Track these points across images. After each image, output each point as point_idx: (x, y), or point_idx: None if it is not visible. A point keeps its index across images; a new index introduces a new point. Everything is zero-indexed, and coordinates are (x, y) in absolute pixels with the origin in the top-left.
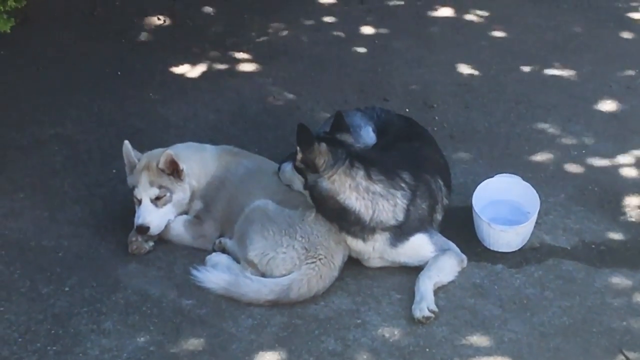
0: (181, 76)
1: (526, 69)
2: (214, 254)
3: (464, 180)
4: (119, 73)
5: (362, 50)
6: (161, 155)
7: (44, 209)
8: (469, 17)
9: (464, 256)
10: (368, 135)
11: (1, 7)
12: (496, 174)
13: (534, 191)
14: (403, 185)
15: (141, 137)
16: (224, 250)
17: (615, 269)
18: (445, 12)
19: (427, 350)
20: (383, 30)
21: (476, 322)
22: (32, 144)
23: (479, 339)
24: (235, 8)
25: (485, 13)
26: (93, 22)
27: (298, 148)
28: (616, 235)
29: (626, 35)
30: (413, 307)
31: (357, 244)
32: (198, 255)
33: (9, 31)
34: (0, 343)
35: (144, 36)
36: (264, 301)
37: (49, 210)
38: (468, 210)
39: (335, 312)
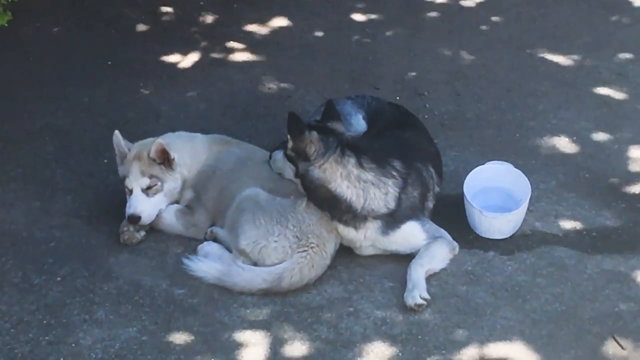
0: (172, 66)
1: (517, 56)
2: (205, 243)
3: (455, 167)
4: (110, 63)
5: (352, 38)
6: (152, 144)
7: (36, 200)
8: (460, 3)
9: (455, 244)
10: (359, 124)
11: None
12: (487, 162)
13: (525, 178)
14: (394, 173)
15: (132, 127)
16: (215, 240)
17: (607, 255)
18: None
19: (420, 337)
20: (374, 18)
21: (468, 310)
22: (23, 135)
23: (471, 326)
24: None
25: (475, 0)
26: (83, 12)
27: (289, 136)
28: (608, 222)
29: (616, 21)
30: (405, 294)
31: (348, 232)
32: (190, 244)
33: (6, 25)
34: None
35: (134, 26)
36: (256, 290)
37: (41, 201)
38: (459, 197)
39: (328, 301)
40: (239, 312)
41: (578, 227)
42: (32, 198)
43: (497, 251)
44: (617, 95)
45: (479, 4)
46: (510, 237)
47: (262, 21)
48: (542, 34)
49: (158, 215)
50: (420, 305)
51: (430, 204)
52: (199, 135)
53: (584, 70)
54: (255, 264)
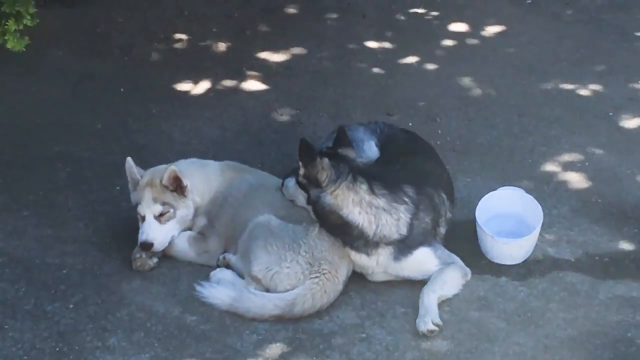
0: (184, 93)
1: (529, 81)
2: (218, 269)
3: (467, 193)
4: (122, 90)
5: (365, 65)
6: (164, 171)
7: (48, 227)
8: (473, 30)
9: (467, 269)
10: (371, 150)
11: (16, 26)
12: (499, 187)
13: (537, 204)
14: (406, 199)
15: (145, 154)
16: (228, 266)
17: (620, 281)
18: (451, 27)
19: None
20: (387, 44)
21: (480, 335)
22: (35, 162)
23: (483, 352)
24: (238, 25)
25: (488, 27)
26: (96, 38)
27: (300, 163)
28: (620, 247)
29: (628, 47)
30: (417, 320)
31: (360, 259)
32: (202, 271)
33: (24, 49)
34: None
35: (147, 53)
36: (268, 316)
37: (53, 228)
38: (471, 223)
39: (340, 327)
40: (251, 338)
41: (590, 253)
42: (44, 225)
43: (510, 277)
44: (630, 120)
45: (491, 31)
46: (523, 262)
47: (275, 48)
48: (554, 60)
49: (170, 242)
50: (432, 331)
51: (442, 230)
52: (211, 162)
53: (596, 95)
54: (267, 291)
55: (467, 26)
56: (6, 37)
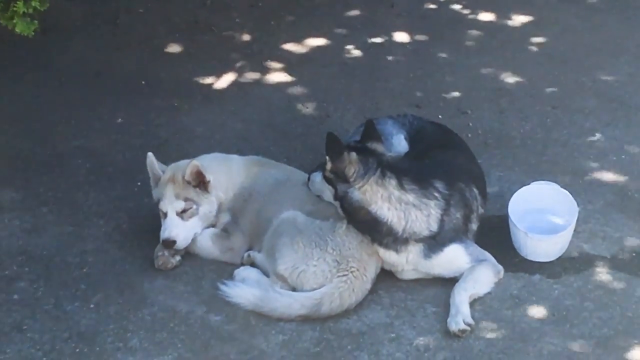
0: (207, 85)
1: (562, 72)
2: (242, 267)
3: (499, 188)
4: (143, 83)
5: (393, 56)
6: (187, 166)
7: (68, 224)
8: (504, 20)
9: (500, 267)
10: (400, 144)
11: (24, 9)
12: (532, 182)
13: (572, 199)
14: (436, 194)
15: (167, 148)
16: (252, 264)
17: None
18: (482, 16)
19: None
20: (415, 36)
21: (514, 335)
22: (55, 158)
23: (516, 353)
24: (262, 15)
25: (519, 16)
26: (116, 30)
27: (327, 158)
28: None
29: None
30: (448, 320)
31: (390, 256)
32: (226, 269)
33: (32, 34)
34: None
35: (168, 45)
36: (295, 316)
37: (73, 226)
38: (504, 219)
39: (369, 327)
40: (277, 339)
41: (626, 249)
42: (64, 222)
43: (543, 274)
44: None
45: (523, 21)
46: (557, 259)
47: (299, 39)
48: (588, 50)
49: (193, 240)
50: (464, 331)
51: (473, 226)
52: (235, 156)
53: (631, 86)
54: (293, 289)
55: (498, 16)
56: (14, 21)
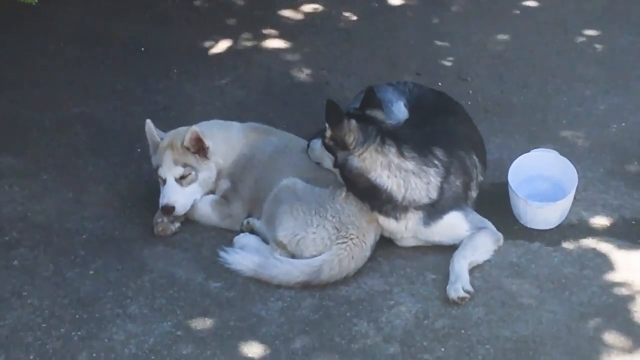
0: (207, 52)
1: (563, 39)
2: (242, 234)
3: (499, 155)
4: (143, 49)
5: (392, 22)
6: (186, 133)
7: (68, 191)
8: None
9: (500, 234)
10: (400, 111)
11: None
12: (533, 149)
13: (572, 166)
14: (436, 162)
15: (166, 115)
16: (252, 231)
17: None
18: None
19: (463, 331)
20: (414, 2)
21: (513, 303)
22: (54, 124)
23: (516, 320)
24: None
25: None
26: None
27: (327, 125)
28: None
29: None
30: (448, 287)
31: (389, 224)
32: (226, 236)
33: (36, 1)
34: (24, 329)
35: (168, 11)
36: (294, 283)
37: (73, 192)
38: (504, 186)
39: (368, 294)
40: (277, 305)
41: (626, 217)
42: (63, 189)
43: (543, 242)
44: None
45: None
46: (557, 227)
47: (297, 6)
48: (588, 17)
49: (193, 206)
50: (463, 299)
51: (473, 194)
52: (234, 123)
53: (632, 53)
54: (293, 256)
55: None
56: None
